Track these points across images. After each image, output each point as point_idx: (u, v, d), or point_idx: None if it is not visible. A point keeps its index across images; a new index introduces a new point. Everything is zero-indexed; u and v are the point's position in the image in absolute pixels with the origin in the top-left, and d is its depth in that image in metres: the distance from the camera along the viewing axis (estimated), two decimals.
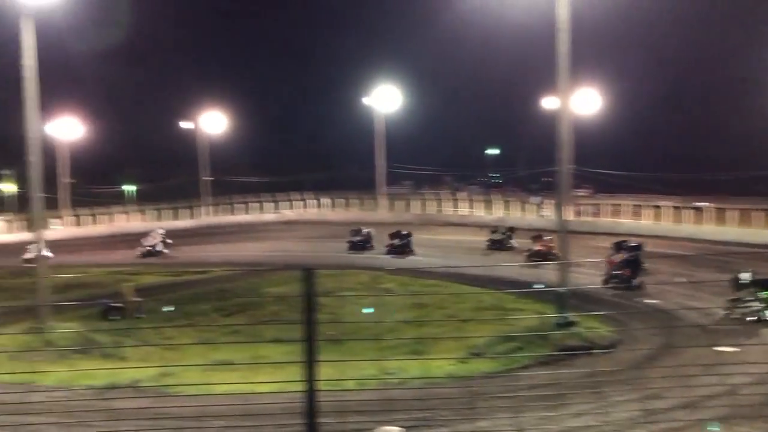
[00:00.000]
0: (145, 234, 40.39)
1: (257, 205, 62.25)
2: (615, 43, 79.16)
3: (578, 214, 42.38)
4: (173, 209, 61.94)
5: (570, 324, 17.92)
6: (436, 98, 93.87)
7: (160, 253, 37.49)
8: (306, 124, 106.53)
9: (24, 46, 19.89)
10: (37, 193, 20.46)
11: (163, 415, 10.32)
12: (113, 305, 21.34)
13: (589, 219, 43.36)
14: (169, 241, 38.85)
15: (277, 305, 22.78)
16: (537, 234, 32.70)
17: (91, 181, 75.75)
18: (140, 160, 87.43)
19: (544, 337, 17.02)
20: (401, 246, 34.49)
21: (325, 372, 4.81)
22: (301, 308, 4.32)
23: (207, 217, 61.38)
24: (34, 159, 20.19)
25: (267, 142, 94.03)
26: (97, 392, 12.19)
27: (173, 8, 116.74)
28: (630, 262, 24.70)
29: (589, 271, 26.28)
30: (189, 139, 69.07)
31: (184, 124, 69.13)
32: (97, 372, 13.36)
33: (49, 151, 49.72)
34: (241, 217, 59.73)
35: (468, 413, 10.35)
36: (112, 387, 12.29)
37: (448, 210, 53.16)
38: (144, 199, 71.17)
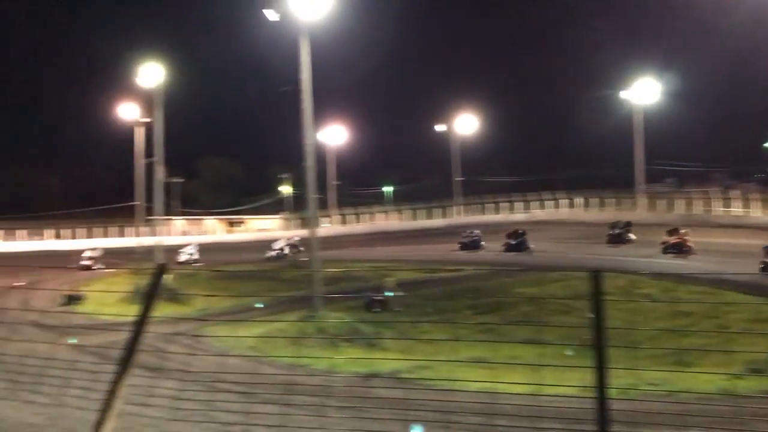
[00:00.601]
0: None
1: (507, 204, 62.25)
2: None
3: None
4: (427, 209, 64.43)
5: None
6: (700, 90, 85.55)
7: (285, 256, 41.11)
8: (558, 122, 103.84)
9: (301, 62, 22.05)
10: (312, 195, 22.53)
11: (422, 407, 10.83)
12: (376, 298, 22.69)
13: None
14: (301, 247, 41.63)
15: (529, 306, 22.58)
16: (673, 228, 33.93)
17: (355, 183, 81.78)
18: (398, 162, 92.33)
19: None
20: (517, 245, 36.94)
21: (579, 377, 4.68)
22: (589, 311, 4.21)
23: (458, 216, 62.82)
24: (310, 164, 22.32)
25: (518, 141, 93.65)
26: (361, 379, 13.08)
27: (423, 16, 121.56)
28: None
29: None
30: (442, 142, 71.26)
31: (438, 127, 71.46)
32: (361, 360, 14.38)
33: (319, 156, 54.64)
34: (490, 217, 60.21)
35: None
36: (375, 375, 13.08)
37: (718, 210, 48.33)
38: (401, 200, 74.99)
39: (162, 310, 3.32)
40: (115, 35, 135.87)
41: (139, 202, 45.71)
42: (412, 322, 20.44)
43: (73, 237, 58.86)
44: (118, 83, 54.51)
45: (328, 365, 14.85)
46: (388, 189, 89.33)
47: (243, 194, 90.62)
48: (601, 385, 4.19)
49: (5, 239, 57.76)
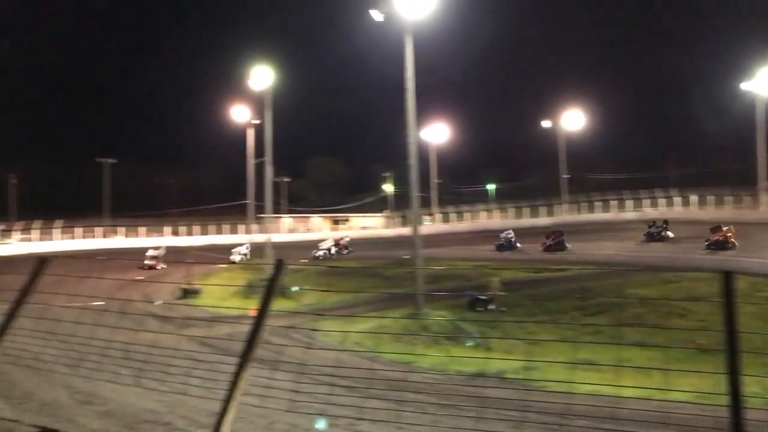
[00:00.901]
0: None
1: (617, 203, 60.14)
2: None
3: None
4: (531, 207, 63.19)
5: None
6: None
7: (333, 256, 41.13)
8: (671, 116, 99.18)
9: (406, 60, 22.18)
10: (415, 193, 22.61)
11: (527, 408, 10.65)
12: (480, 297, 22.54)
13: None
14: (349, 248, 42.20)
15: (640, 308, 21.72)
16: (716, 225, 35.16)
17: (457, 180, 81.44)
18: (501, 159, 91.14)
19: None
20: (556, 244, 38.89)
21: (693, 383, 4.45)
22: (722, 315, 4.01)
23: (565, 215, 61.25)
24: (413, 162, 22.41)
25: (628, 136, 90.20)
26: (466, 378, 13.01)
27: (527, 11, 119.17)
28: None
29: None
30: (548, 138, 69.74)
31: (544, 123, 69.96)
32: (466, 359, 14.30)
33: (421, 154, 54.79)
34: (599, 216, 58.33)
35: None
36: (480, 375, 12.98)
37: None
38: (504, 198, 73.99)
39: (276, 304, 3.43)
40: (229, 42, 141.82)
41: (249, 200, 47.39)
42: (517, 321, 20.13)
43: (189, 234, 61.92)
44: (232, 87, 56.85)
45: (432, 363, 14.87)
46: (491, 187, 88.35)
47: (347, 193, 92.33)
48: (735, 393, 3.96)
49: (128, 236, 61.57)
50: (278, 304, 3.70)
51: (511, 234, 42.38)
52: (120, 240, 60.07)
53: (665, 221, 41.39)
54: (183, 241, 57.37)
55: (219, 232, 63.49)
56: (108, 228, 62.52)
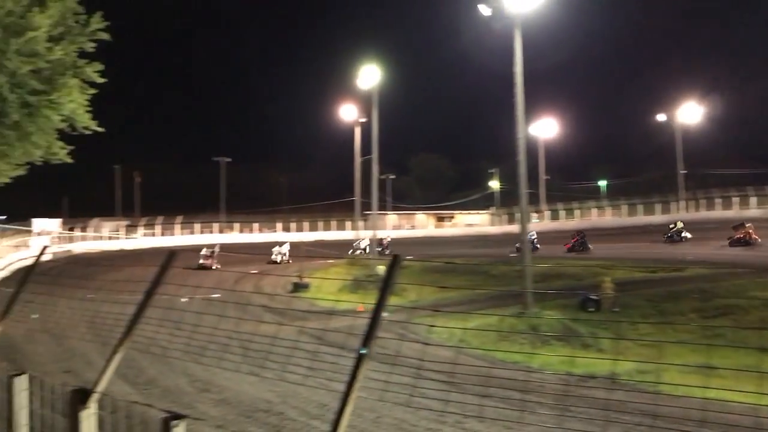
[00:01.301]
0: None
1: (738, 199, 56.66)
2: None
3: None
4: (645, 204, 60.66)
5: None
6: None
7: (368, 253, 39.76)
8: None
9: (515, 54, 21.84)
10: (524, 190, 22.23)
11: (642, 412, 10.24)
12: (591, 297, 21.91)
13: None
14: (388, 248, 41.68)
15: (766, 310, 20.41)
16: (739, 223, 38.11)
17: (567, 177, 79.35)
18: (613, 155, 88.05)
19: None
20: (580, 245, 40.56)
21: None
22: None
23: (682, 212, 58.36)
24: (522, 158, 22.04)
25: (752, 129, 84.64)
26: (577, 379, 12.69)
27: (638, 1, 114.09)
28: None
29: None
30: (662, 132, 66.74)
31: (659, 117, 66.91)
32: (576, 360, 13.94)
33: (529, 149, 53.97)
34: (719, 213, 55.15)
35: None
36: (591, 376, 12.62)
37: None
38: (616, 194, 71.39)
39: (375, 299, 3.48)
40: (338, 43, 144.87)
41: (356, 198, 48.28)
42: (631, 322, 19.39)
43: (300, 230, 63.81)
44: (340, 86, 58.09)
45: (541, 363, 14.61)
46: (602, 183, 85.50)
47: (452, 189, 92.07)
48: None
49: (241, 231, 64.29)
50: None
51: (534, 234, 43.16)
52: (235, 235, 62.79)
53: (683, 223, 43.43)
54: (293, 237, 59.22)
55: (327, 228, 65.01)
56: (224, 224, 65.51)
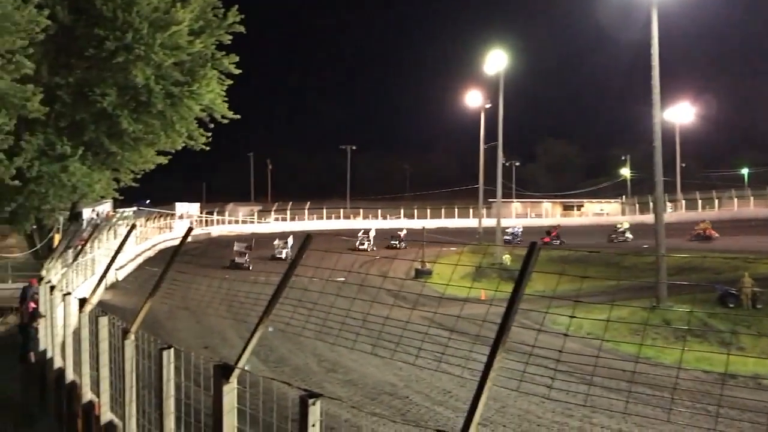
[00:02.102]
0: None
1: None
2: None
3: None
4: None
5: None
6: None
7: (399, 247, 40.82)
8: None
9: (652, 36, 20.77)
10: (660, 177, 21.19)
11: None
12: (731, 292, 20.63)
13: None
14: (403, 241, 41.55)
15: None
16: (702, 220, 42.60)
17: (705, 164, 74.61)
18: (758, 142, 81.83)
19: None
20: (556, 238, 43.24)
21: None
22: None
23: None
24: (658, 144, 20.97)
25: None
26: (713, 378, 12.03)
27: None
28: None
29: None
30: None
31: None
32: (712, 357, 13.18)
33: (664, 135, 51.27)
34: None
35: None
36: (731, 375, 11.92)
37: None
38: (761, 183, 66.23)
39: (503, 288, 3.44)
40: (463, 29, 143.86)
41: (480, 185, 47.73)
42: None
43: (423, 217, 64.11)
44: (464, 73, 57.68)
45: (675, 359, 13.94)
46: (744, 171, 79.56)
47: (581, 177, 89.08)
48: None
49: (365, 218, 65.52)
50: (504, 287, 3.71)
51: (519, 230, 47.36)
52: (359, 222, 64.13)
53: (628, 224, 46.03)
54: (416, 224, 59.57)
55: (449, 216, 64.85)
56: (350, 210, 67.07)
